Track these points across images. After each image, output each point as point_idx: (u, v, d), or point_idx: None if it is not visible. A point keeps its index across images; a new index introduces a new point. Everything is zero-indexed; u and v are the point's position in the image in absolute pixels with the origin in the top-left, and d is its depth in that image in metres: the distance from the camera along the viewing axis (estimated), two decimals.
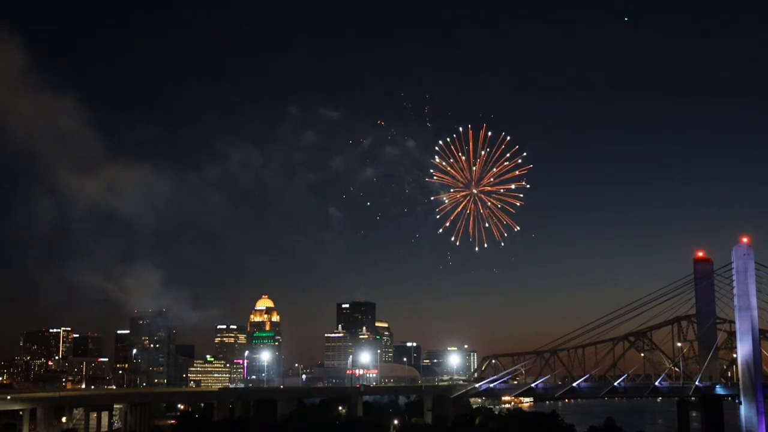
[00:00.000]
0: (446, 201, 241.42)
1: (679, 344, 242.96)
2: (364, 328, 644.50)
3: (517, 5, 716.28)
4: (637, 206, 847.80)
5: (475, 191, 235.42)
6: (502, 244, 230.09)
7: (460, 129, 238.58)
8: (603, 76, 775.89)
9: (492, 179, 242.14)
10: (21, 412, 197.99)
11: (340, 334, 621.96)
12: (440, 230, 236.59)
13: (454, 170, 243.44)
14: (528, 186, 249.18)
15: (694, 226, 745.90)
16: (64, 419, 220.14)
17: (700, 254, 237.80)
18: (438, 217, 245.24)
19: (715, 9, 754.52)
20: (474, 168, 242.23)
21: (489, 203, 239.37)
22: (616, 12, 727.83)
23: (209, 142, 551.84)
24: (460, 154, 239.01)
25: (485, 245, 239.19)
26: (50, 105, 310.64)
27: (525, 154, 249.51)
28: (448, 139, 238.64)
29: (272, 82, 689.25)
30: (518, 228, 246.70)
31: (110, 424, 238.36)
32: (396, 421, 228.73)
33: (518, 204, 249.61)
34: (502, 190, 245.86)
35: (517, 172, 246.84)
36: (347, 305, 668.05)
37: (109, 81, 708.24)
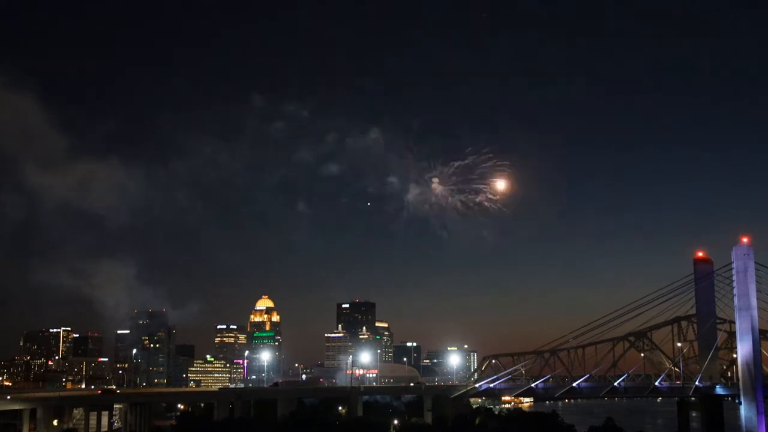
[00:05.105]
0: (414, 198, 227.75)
1: (679, 344, 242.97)
2: (364, 328, 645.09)
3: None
4: (637, 207, 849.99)
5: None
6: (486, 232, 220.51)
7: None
8: (602, 76, 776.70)
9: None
10: (21, 412, 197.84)
11: (340, 334, 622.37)
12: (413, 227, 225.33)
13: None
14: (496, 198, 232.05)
15: (694, 226, 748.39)
16: (73, 420, 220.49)
17: (700, 254, 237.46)
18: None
19: (716, 9, 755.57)
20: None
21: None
22: (615, 12, 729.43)
23: (174, 137, 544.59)
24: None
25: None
26: (10, 101, 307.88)
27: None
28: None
29: (235, 76, 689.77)
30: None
31: (110, 424, 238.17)
32: (396, 421, 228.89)
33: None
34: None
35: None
36: (347, 305, 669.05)
37: (68, 76, 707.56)
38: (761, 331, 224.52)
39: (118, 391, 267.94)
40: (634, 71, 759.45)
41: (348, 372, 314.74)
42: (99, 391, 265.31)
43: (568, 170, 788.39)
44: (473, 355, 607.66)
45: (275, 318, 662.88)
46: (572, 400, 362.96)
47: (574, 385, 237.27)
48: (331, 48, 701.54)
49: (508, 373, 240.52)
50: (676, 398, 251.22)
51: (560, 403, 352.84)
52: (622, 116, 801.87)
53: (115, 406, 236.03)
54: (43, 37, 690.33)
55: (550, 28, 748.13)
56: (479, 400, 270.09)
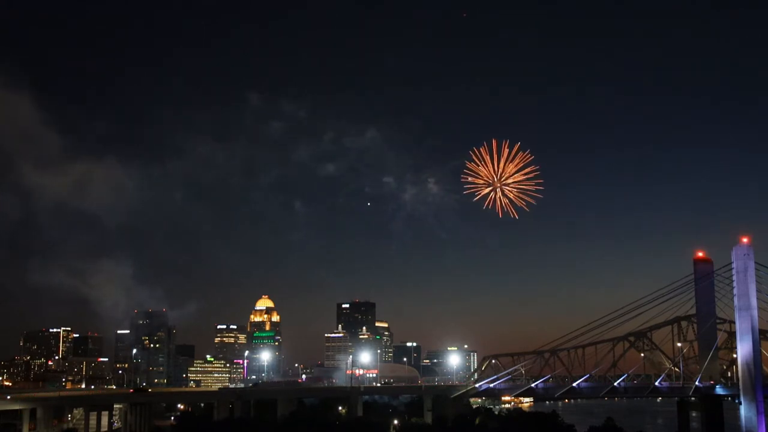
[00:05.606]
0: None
1: (679, 344, 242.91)
2: (364, 328, 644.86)
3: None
4: (636, 207, 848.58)
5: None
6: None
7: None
8: (605, 78, 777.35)
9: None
10: (21, 412, 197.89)
11: (340, 334, 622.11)
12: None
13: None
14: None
15: (694, 226, 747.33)
16: (70, 418, 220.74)
17: (700, 254, 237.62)
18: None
19: (716, 9, 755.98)
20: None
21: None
22: (615, 12, 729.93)
23: (172, 137, 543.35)
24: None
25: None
26: (8, 101, 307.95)
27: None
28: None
29: (234, 76, 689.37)
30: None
31: (110, 424, 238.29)
32: (396, 421, 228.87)
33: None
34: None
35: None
36: (347, 305, 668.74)
37: (67, 76, 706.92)
38: (761, 331, 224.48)
39: (150, 390, 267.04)
40: (634, 71, 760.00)
41: (348, 372, 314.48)
42: (131, 390, 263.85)
43: (568, 170, 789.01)
44: (473, 355, 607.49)
45: (275, 318, 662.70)
46: (572, 400, 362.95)
47: (574, 385, 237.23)
48: (331, 48, 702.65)
49: (508, 373, 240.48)
50: (676, 398, 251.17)
51: (560, 403, 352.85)
52: (622, 116, 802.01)
53: (115, 406, 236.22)
54: (43, 37, 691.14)
55: (550, 28, 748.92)
56: (479, 400, 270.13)
